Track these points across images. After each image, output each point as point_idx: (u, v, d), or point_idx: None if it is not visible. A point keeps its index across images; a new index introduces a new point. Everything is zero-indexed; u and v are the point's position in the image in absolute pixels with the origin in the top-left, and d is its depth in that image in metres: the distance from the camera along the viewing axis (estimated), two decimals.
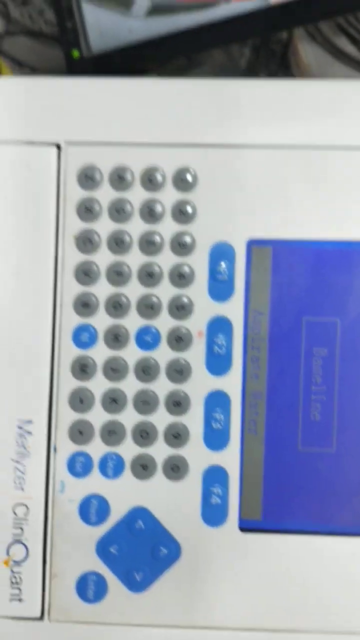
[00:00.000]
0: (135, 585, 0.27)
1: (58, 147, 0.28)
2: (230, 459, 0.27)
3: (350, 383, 0.27)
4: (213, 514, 0.27)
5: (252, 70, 0.50)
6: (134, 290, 0.27)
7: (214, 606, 0.27)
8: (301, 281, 0.27)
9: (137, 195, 0.27)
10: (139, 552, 0.27)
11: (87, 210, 0.27)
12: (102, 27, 0.39)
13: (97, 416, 0.27)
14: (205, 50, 0.45)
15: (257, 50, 0.49)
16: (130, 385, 0.27)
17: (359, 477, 0.27)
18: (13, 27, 0.45)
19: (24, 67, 0.45)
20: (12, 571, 0.27)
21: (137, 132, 0.27)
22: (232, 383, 0.27)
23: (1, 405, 0.27)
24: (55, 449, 0.27)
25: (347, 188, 0.27)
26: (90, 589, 0.27)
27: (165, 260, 0.27)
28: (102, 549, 0.27)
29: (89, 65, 0.41)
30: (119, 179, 0.27)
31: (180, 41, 0.39)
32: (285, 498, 0.27)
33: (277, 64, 0.50)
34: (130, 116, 0.27)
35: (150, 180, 0.27)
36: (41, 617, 0.27)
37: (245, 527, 0.27)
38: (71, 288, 0.27)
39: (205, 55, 0.50)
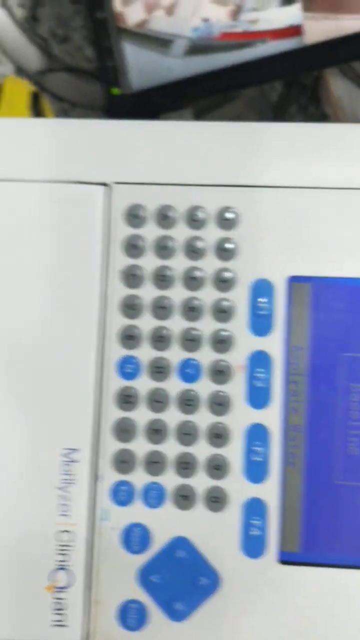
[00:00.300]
0: (176, 614, 0.28)
1: (106, 186, 0.29)
2: (269, 491, 0.28)
3: None
4: (252, 546, 0.27)
5: (282, 105, 0.51)
6: (176, 324, 0.28)
7: (251, 638, 0.27)
8: (340, 317, 0.28)
9: (180, 233, 0.28)
10: (180, 581, 0.28)
11: (132, 247, 0.29)
12: (142, 66, 0.41)
13: (140, 446, 0.28)
14: (242, 89, 0.47)
15: (288, 84, 0.50)
16: (172, 417, 0.28)
17: None
18: (53, 63, 0.47)
19: (64, 102, 0.47)
20: (56, 597, 0.28)
21: (181, 172, 0.29)
22: (272, 416, 0.28)
23: (48, 433, 0.28)
24: (99, 478, 0.28)
25: None
26: (131, 616, 0.28)
27: (207, 295, 0.28)
28: (144, 577, 0.28)
29: (128, 102, 0.42)
30: (164, 217, 0.28)
31: (218, 80, 0.40)
32: (324, 531, 0.28)
33: (308, 98, 0.51)
34: (174, 157, 0.29)
35: (193, 218, 0.28)
36: None
37: (285, 559, 0.27)
38: (116, 321, 0.28)
39: (237, 91, 0.51)
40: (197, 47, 0.40)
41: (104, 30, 0.42)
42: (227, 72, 0.40)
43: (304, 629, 0.27)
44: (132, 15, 0.40)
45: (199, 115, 0.47)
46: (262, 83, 0.47)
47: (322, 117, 0.49)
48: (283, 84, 0.50)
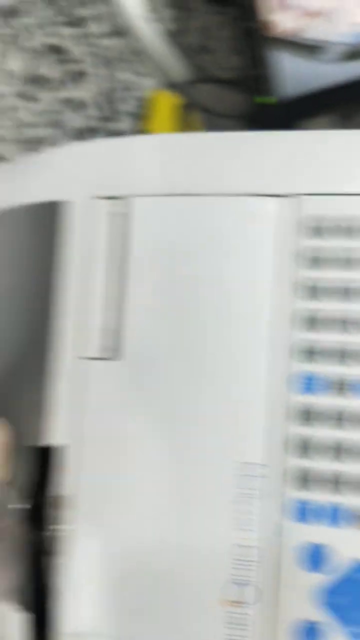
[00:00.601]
0: (357, 637, 0.27)
1: (291, 197, 0.28)
2: None
3: None
4: None
5: None
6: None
7: None
8: None
9: (336, 245, 0.28)
10: None
11: (316, 259, 0.28)
12: (294, 73, 0.40)
13: (323, 464, 0.27)
14: None
15: None
16: (356, 435, 0.27)
17: None
18: (199, 74, 0.47)
19: (211, 113, 0.47)
20: (235, 612, 0.28)
21: (335, 183, 0.28)
22: None
23: (231, 448, 0.28)
24: (283, 494, 0.28)
25: None
26: (312, 637, 0.27)
27: None
28: (328, 598, 0.27)
29: (280, 111, 0.42)
30: (350, 228, 0.28)
31: None
32: None
33: None
34: (323, 169, 0.28)
35: (348, 228, 0.27)
36: None
37: None
38: (299, 335, 0.28)
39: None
40: (355, 53, 0.39)
41: (252, 40, 0.42)
42: None
43: None
44: (286, 23, 0.40)
45: (340, 121, 0.45)
46: None
47: None
48: None
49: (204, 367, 0.29)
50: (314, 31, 0.40)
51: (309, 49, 0.41)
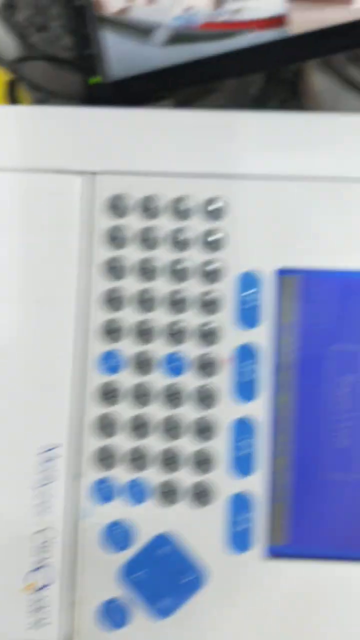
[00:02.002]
0: (160, 611, 0.27)
1: (87, 175, 0.28)
2: (256, 484, 0.27)
3: None
4: (239, 540, 0.27)
5: (262, 98, 0.51)
6: (162, 317, 0.28)
7: (239, 634, 0.27)
8: (329, 310, 0.28)
9: (166, 224, 0.28)
10: (164, 578, 0.27)
11: (115, 238, 0.28)
12: (122, 54, 0.40)
13: (123, 442, 0.27)
14: (225, 79, 0.46)
15: (268, 78, 0.50)
16: (157, 412, 0.27)
17: None
18: (31, 52, 0.46)
19: (42, 91, 0.45)
20: (37, 597, 0.27)
21: (167, 162, 0.28)
22: (259, 409, 0.27)
23: (27, 432, 0.27)
24: (80, 475, 0.27)
25: None
26: (114, 614, 0.27)
27: (194, 287, 0.28)
28: (127, 575, 0.27)
29: (107, 92, 0.41)
30: (148, 207, 0.28)
31: (199, 70, 0.40)
32: (313, 523, 0.27)
33: (288, 91, 0.50)
34: (160, 146, 0.28)
35: (179, 209, 0.28)
36: None
37: (273, 553, 0.27)
38: (99, 315, 0.28)
39: (218, 82, 0.50)
40: (179, 37, 0.39)
41: (82, 18, 0.41)
42: (209, 63, 0.39)
43: (292, 624, 0.27)
44: (112, 2, 0.39)
45: (179, 107, 0.46)
46: (246, 74, 0.46)
47: (302, 111, 0.49)
48: (263, 77, 0.50)
49: (10, 351, 0.28)
50: (142, 12, 0.40)
51: (136, 30, 0.40)
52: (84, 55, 0.41)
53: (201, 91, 0.50)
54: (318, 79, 0.50)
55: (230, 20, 0.38)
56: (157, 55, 0.40)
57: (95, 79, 0.41)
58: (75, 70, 0.44)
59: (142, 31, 0.40)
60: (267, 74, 0.50)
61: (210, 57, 0.39)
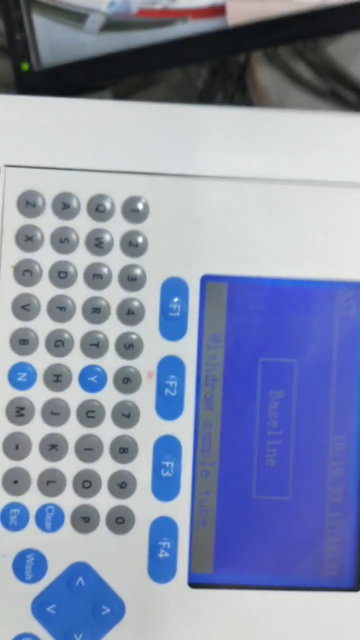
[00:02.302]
0: None
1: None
2: (180, 509, 0.25)
3: (307, 428, 0.26)
4: (160, 569, 0.25)
5: (208, 92, 0.49)
6: (78, 327, 0.25)
7: None
8: (257, 320, 0.26)
9: (83, 225, 0.25)
10: (79, 611, 0.25)
11: (27, 239, 0.25)
12: (54, 41, 0.37)
13: (34, 464, 0.25)
14: (161, 70, 0.44)
15: (214, 71, 0.48)
16: (72, 431, 0.25)
17: (315, 527, 0.26)
18: None
19: None
20: None
21: (84, 157, 0.25)
22: (183, 428, 0.25)
23: None
24: None
25: (305, 224, 0.26)
26: None
27: (113, 295, 0.25)
28: (39, 608, 0.25)
29: (39, 80, 0.38)
30: (64, 206, 0.25)
31: (135, 59, 0.38)
32: (238, 550, 0.26)
33: (234, 85, 0.49)
34: (77, 140, 0.25)
35: (97, 209, 0.25)
36: None
37: (195, 582, 0.25)
38: (8, 323, 0.25)
39: (162, 74, 0.48)
40: (113, 24, 0.37)
41: (12, 2, 0.38)
42: (145, 52, 0.37)
43: None
44: None
45: (118, 98, 0.44)
46: (183, 65, 0.44)
47: (248, 105, 0.48)
48: (209, 71, 0.48)
49: None
50: None
51: (69, 15, 0.38)
52: (14, 41, 0.38)
53: (142, 82, 0.48)
54: (265, 74, 0.49)
55: (167, 8, 0.36)
56: (91, 43, 0.37)
57: (26, 66, 0.39)
58: (7, 57, 0.41)
59: (75, 17, 0.37)
60: (212, 68, 0.48)
61: (146, 46, 0.37)
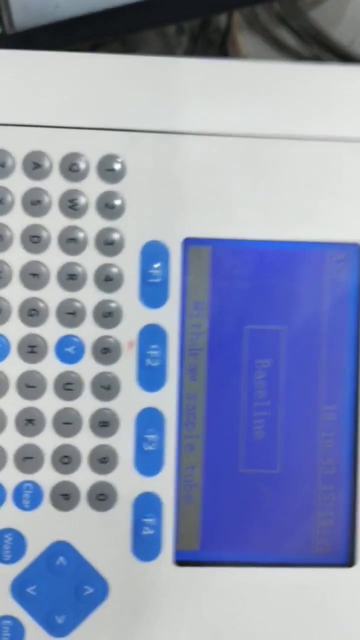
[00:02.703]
0: (57, 629, 0.24)
1: None
2: (164, 484, 0.24)
3: (295, 398, 0.25)
4: (145, 547, 0.24)
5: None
6: (53, 295, 0.24)
7: None
8: (243, 285, 0.25)
9: (56, 186, 0.24)
10: (61, 592, 0.24)
11: None
12: (26, 3, 0.36)
13: (10, 440, 0.24)
14: (138, 31, 0.42)
15: (195, 38, 0.46)
16: (49, 404, 0.24)
17: (306, 501, 0.25)
18: None
19: None
20: None
21: (56, 113, 0.24)
22: (166, 399, 0.24)
23: None
24: None
25: (292, 183, 0.24)
26: (4, 635, 0.24)
27: (90, 260, 0.24)
28: (19, 589, 0.24)
29: (12, 43, 0.37)
30: (35, 166, 0.24)
31: (110, 20, 0.36)
32: (225, 526, 0.25)
33: (216, 53, 0.47)
34: (48, 95, 0.24)
35: (71, 168, 0.24)
36: None
37: (182, 559, 0.24)
38: None
39: (141, 42, 0.46)
40: None
41: None
42: (122, 12, 0.36)
43: (205, 637, 0.24)
44: None
45: None
46: (161, 25, 0.42)
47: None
48: (189, 39, 0.46)
49: None
50: None
51: None
52: None
53: (122, 49, 0.46)
54: (246, 40, 0.47)
55: None
56: (64, 4, 0.36)
57: None
58: None
59: None
60: (193, 35, 0.46)
61: (122, 5, 0.35)
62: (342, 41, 0.46)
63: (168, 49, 0.47)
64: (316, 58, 0.47)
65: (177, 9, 0.36)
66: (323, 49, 0.47)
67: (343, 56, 0.46)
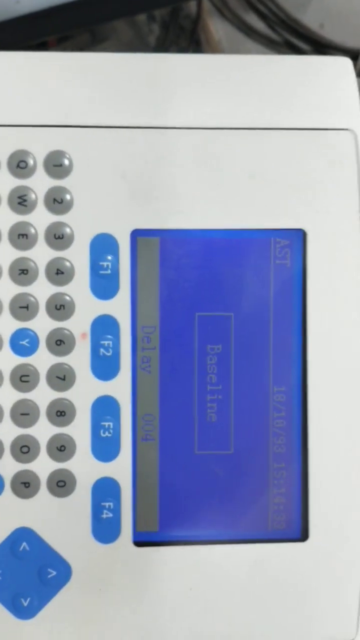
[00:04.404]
0: (23, 611, 0.25)
1: None
2: (121, 469, 0.25)
3: (246, 381, 0.25)
4: (105, 530, 0.25)
5: (160, 48, 0.48)
6: (5, 289, 0.25)
7: (109, 629, 0.25)
8: (192, 274, 0.25)
9: (4, 183, 0.24)
10: (25, 576, 0.25)
11: None
12: None
13: None
14: (105, 22, 0.42)
15: (166, 26, 0.46)
16: (6, 396, 0.25)
17: (258, 480, 0.25)
18: None
19: None
20: None
21: (3, 111, 0.24)
22: (120, 387, 0.25)
23: None
24: None
25: (235, 172, 0.25)
26: None
27: (41, 254, 0.25)
28: None
29: None
30: None
31: (74, 12, 0.36)
32: (182, 506, 0.25)
33: (187, 40, 0.47)
34: None
35: (19, 165, 0.24)
36: None
37: (141, 540, 0.25)
38: None
39: (110, 31, 0.47)
40: None
41: None
42: (85, 4, 0.36)
43: (166, 616, 0.25)
44: None
45: None
46: (129, 15, 0.42)
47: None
48: (160, 26, 0.47)
49: None
50: None
51: None
52: None
53: (90, 41, 0.46)
54: (218, 27, 0.47)
55: None
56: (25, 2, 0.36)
57: None
58: None
59: None
60: (164, 23, 0.46)
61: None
62: (311, 26, 0.46)
63: (139, 38, 0.48)
64: (287, 43, 0.48)
65: (135, 2, 0.36)
66: (293, 34, 0.47)
67: (313, 40, 0.47)
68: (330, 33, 0.46)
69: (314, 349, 0.25)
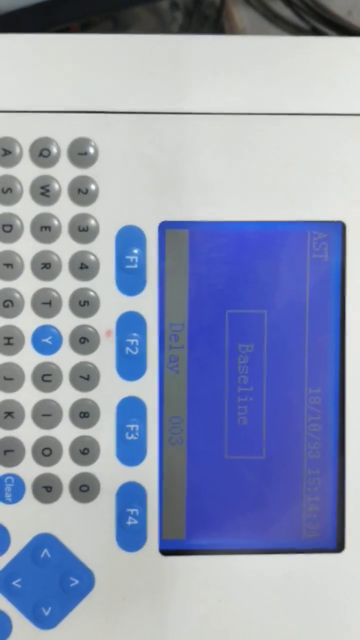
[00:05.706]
0: (44, 621, 0.24)
1: None
2: (147, 473, 0.24)
3: (279, 382, 0.24)
4: (130, 537, 0.24)
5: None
6: (28, 285, 0.23)
7: (133, 639, 0.24)
8: (223, 269, 0.24)
9: (27, 172, 0.23)
10: (47, 584, 0.24)
11: None
12: None
13: None
14: (125, 8, 0.41)
15: (189, 14, 0.45)
16: (28, 396, 0.23)
17: (293, 486, 0.24)
18: None
19: None
20: None
21: (24, 97, 0.23)
22: (147, 387, 0.24)
23: None
24: None
25: (270, 161, 0.23)
26: None
27: (64, 248, 0.23)
28: (4, 583, 0.24)
29: None
30: (4, 152, 0.23)
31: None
32: (211, 514, 0.24)
33: (211, 29, 0.46)
34: (15, 78, 0.23)
35: (41, 153, 0.23)
36: None
37: (167, 549, 0.24)
38: None
39: (133, 19, 0.45)
40: None
41: None
42: None
43: (192, 627, 0.24)
44: None
45: None
46: (147, 2, 0.41)
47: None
48: (184, 15, 0.45)
49: None
50: None
51: None
52: None
53: (113, 27, 0.45)
54: (242, 15, 0.46)
55: None
56: None
57: None
58: None
59: None
60: (188, 11, 0.45)
61: None
62: (339, 12, 0.45)
63: (162, 26, 0.46)
64: (315, 30, 0.46)
65: None
66: (320, 21, 0.45)
67: (341, 27, 0.45)
68: (358, 19, 0.45)
69: (353, 349, 0.24)
